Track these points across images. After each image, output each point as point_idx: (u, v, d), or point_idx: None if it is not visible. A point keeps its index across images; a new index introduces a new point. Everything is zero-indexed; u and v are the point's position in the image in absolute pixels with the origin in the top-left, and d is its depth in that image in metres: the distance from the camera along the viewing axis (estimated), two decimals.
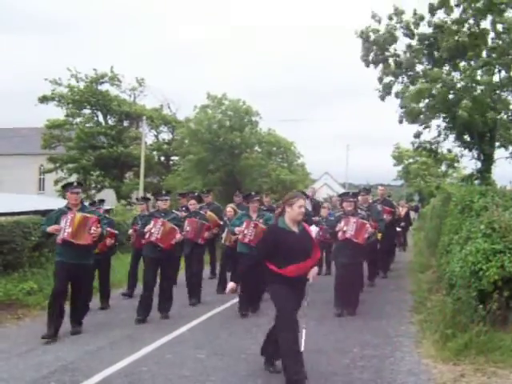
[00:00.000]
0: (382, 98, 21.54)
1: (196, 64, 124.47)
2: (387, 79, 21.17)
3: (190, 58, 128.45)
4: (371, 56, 20.73)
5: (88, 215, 8.11)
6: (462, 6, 18.67)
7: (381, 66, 20.79)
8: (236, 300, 9.85)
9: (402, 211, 21.18)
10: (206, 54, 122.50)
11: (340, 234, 9.35)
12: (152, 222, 9.19)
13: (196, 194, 13.00)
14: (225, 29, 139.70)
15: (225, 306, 10.26)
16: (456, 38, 18.79)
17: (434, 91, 18.52)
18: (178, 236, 9.37)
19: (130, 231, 12.20)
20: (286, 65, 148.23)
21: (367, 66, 21.02)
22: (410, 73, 20.52)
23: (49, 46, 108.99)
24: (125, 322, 8.96)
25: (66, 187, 8.36)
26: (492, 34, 18.87)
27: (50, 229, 7.99)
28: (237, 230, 9.70)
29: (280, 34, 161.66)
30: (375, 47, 20.33)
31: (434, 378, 6.20)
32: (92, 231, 7.95)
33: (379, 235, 13.04)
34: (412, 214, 37.97)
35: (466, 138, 20.38)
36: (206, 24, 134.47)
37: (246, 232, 9.55)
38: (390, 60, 20.45)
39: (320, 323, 8.92)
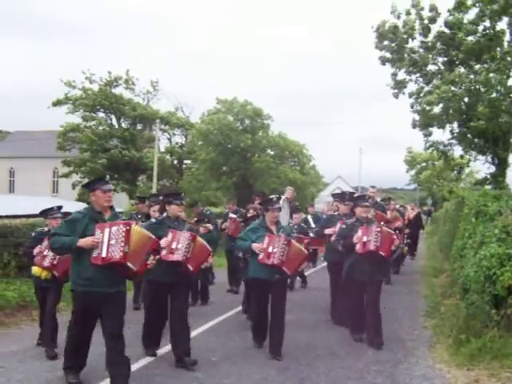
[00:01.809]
0: (396, 96, 21.59)
1: (212, 68, 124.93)
2: (401, 76, 21.23)
3: (206, 63, 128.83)
4: (387, 54, 20.79)
5: (151, 235, 5.93)
6: (478, 7, 18.69)
7: (396, 64, 20.88)
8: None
9: (410, 214, 19.97)
10: (220, 58, 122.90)
11: (359, 245, 7.69)
12: (170, 235, 6.79)
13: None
14: (241, 34, 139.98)
15: (236, 310, 10.25)
16: (472, 38, 18.83)
17: (454, 94, 18.45)
18: (211, 260, 7.67)
19: None
20: (299, 70, 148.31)
21: (383, 64, 21.06)
22: (424, 71, 20.54)
23: (66, 51, 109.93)
24: (138, 323, 8.97)
25: (94, 184, 5.95)
26: (508, 37, 18.91)
27: (82, 243, 5.53)
28: (256, 247, 7.23)
29: (293, 41, 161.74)
30: (392, 45, 20.36)
31: (448, 383, 6.19)
32: (149, 261, 5.85)
33: (405, 249, 12.60)
34: (424, 218, 38.00)
35: (480, 141, 20.32)
36: (222, 29, 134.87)
37: (271, 250, 7.11)
38: (406, 56, 20.48)
39: (332, 328, 8.92)
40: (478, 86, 18.39)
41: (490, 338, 6.87)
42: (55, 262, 7.25)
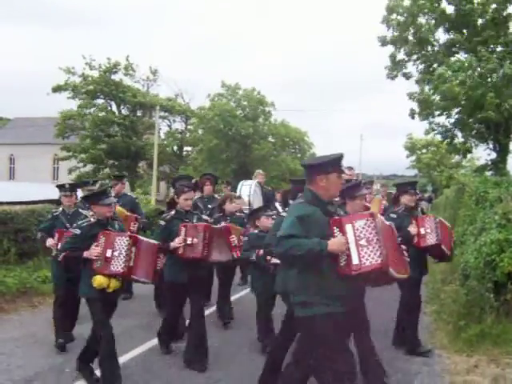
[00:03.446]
0: (392, 78, 21.69)
1: (214, 56, 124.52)
2: (400, 56, 21.32)
3: (209, 50, 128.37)
4: (389, 33, 20.86)
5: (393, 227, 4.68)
6: None
7: (397, 43, 21.01)
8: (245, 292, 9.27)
9: None
10: (223, 46, 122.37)
11: (417, 238, 6.71)
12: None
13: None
14: (243, 22, 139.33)
15: (235, 297, 10.22)
16: (479, 21, 18.88)
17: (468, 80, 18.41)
18: None
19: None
20: (300, 59, 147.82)
21: (383, 45, 21.08)
22: (425, 52, 20.57)
23: (67, 38, 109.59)
24: (138, 310, 8.99)
25: (329, 164, 4.21)
26: None
27: (334, 246, 3.97)
28: None
29: (297, 29, 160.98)
30: (400, 18, 20.42)
31: (447, 369, 6.21)
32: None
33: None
34: (425, 205, 37.90)
35: (481, 128, 20.32)
36: (226, 15, 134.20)
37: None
38: (410, 37, 20.57)
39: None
40: (482, 71, 18.34)
41: (490, 324, 6.88)
42: (131, 264, 5.43)
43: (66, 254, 5.52)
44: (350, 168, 10.72)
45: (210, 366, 6.22)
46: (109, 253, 5.32)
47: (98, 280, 5.30)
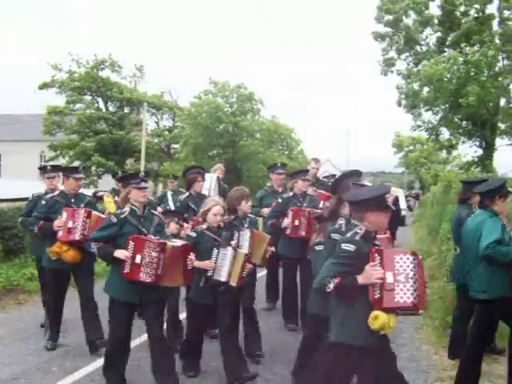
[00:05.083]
0: (384, 73, 21.89)
1: (203, 52, 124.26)
2: (391, 54, 21.54)
3: (198, 45, 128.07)
4: (382, 29, 21.12)
5: None
6: None
7: (388, 40, 21.24)
8: None
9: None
10: (216, 41, 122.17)
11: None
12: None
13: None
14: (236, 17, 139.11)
15: None
16: (465, 20, 19.03)
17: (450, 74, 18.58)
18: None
19: None
20: (289, 55, 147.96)
21: (376, 39, 21.33)
22: (414, 51, 20.79)
23: (52, 33, 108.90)
24: None
25: None
26: (498, 19, 19.15)
27: None
28: None
29: (283, 25, 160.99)
30: (390, 17, 20.66)
31: (434, 365, 6.25)
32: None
33: None
34: (413, 202, 38.09)
35: (468, 125, 20.47)
36: (217, 10, 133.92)
37: None
38: (399, 33, 20.82)
39: None
40: (469, 66, 18.48)
41: None
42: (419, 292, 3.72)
43: (338, 283, 3.67)
44: (316, 160, 10.36)
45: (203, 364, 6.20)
46: (390, 278, 3.62)
47: (381, 319, 3.61)
